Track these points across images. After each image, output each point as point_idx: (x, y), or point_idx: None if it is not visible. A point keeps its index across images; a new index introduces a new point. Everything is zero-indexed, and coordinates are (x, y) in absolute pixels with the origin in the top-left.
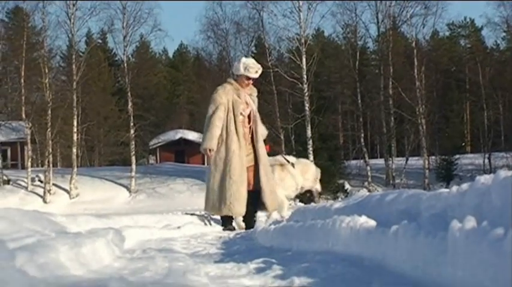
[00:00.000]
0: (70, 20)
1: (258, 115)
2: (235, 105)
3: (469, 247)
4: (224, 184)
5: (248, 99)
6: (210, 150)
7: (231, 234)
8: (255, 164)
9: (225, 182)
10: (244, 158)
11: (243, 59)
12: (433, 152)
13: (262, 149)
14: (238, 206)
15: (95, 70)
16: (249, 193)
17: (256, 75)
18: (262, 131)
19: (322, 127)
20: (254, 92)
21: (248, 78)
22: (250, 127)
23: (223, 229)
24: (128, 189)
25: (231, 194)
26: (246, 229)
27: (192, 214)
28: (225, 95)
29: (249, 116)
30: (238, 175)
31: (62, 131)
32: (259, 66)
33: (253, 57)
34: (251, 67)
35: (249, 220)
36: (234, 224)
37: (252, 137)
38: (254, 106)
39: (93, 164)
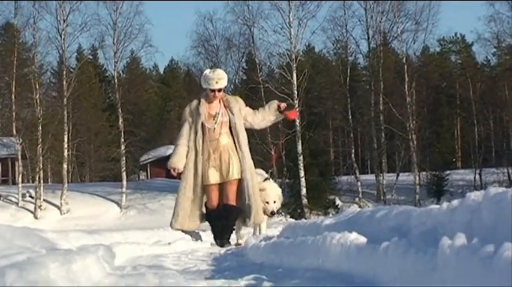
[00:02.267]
0: (61, 36)
1: (239, 123)
2: (196, 120)
3: (460, 264)
4: (177, 199)
5: (222, 111)
6: (173, 169)
7: (222, 250)
8: (240, 178)
9: (178, 197)
10: (205, 174)
11: (205, 72)
12: (423, 168)
13: (244, 161)
14: (181, 221)
15: (85, 86)
16: (215, 211)
17: (218, 86)
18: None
19: (313, 143)
20: (232, 102)
21: (212, 90)
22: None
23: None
24: (119, 205)
25: (178, 209)
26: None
27: (185, 231)
28: (189, 111)
29: (230, 128)
30: (189, 191)
31: (52, 147)
32: (220, 76)
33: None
34: (210, 79)
35: (221, 237)
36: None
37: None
38: (233, 116)
39: (84, 180)
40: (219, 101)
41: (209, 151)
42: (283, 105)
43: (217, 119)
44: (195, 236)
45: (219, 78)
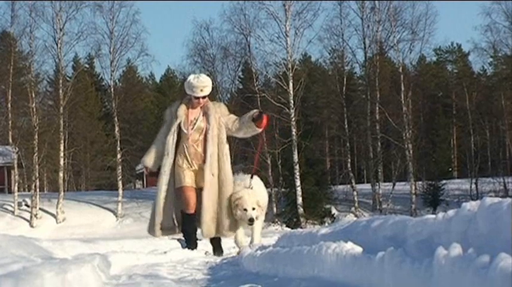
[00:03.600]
0: (57, 45)
1: (215, 133)
2: (172, 122)
3: (455, 274)
4: (154, 205)
5: (201, 118)
6: (145, 168)
7: (218, 259)
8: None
9: (154, 203)
10: (188, 181)
11: (189, 78)
12: (420, 177)
13: (208, 170)
14: (158, 227)
15: (81, 95)
16: (191, 215)
17: (203, 94)
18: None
19: (309, 152)
20: (211, 110)
21: (196, 98)
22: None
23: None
24: (115, 213)
25: (156, 216)
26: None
27: (178, 239)
28: (169, 113)
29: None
30: (164, 196)
31: (48, 156)
32: (204, 84)
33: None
34: (195, 86)
35: (191, 241)
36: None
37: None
38: (209, 125)
39: (80, 189)
40: (201, 107)
41: (185, 156)
42: (255, 113)
43: (194, 125)
44: (181, 243)
45: (203, 86)
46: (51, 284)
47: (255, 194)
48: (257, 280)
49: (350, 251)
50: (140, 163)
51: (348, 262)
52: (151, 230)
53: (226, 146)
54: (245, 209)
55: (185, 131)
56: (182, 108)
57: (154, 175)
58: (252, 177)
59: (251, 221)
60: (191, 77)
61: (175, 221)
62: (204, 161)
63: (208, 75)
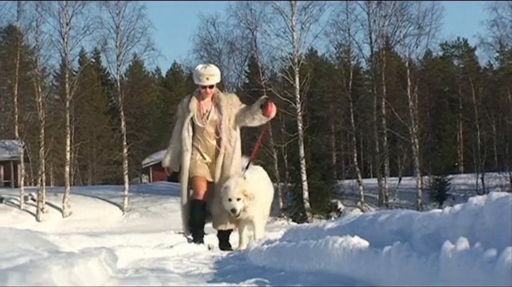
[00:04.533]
0: (63, 39)
1: (227, 124)
2: (185, 117)
3: (462, 268)
4: (181, 206)
5: (214, 109)
6: (167, 169)
7: (224, 253)
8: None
9: (181, 204)
10: (201, 172)
11: (196, 68)
12: (426, 172)
13: (219, 162)
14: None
15: (88, 89)
16: (200, 203)
17: (209, 82)
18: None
19: (315, 147)
20: (223, 101)
21: (203, 87)
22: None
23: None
24: (121, 208)
25: (184, 217)
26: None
27: (184, 234)
28: (181, 108)
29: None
30: (186, 192)
31: (55, 150)
32: (211, 72)
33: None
34: (201, 75)
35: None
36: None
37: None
38: (221, 115)
39: (86, 183)
40: (212, 98)
41: (199, 150)
42: (263, 100)
43: (208, 118)
44: (187, 238)
45: (210, 74)
46: (58, 278)
47: (242, 183)
48: (263, 274)
49: (356, 245)
50: (162, 165)
51: (355, 256)
52: (186, 230)
53: (239, 140)
54: (229, 199)
55: (200, 124)
56: (193, 102)
57: (177, 174)
58: (247, 167)
59: (233, 212)
60: (199, 66)
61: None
62: (217, 155)
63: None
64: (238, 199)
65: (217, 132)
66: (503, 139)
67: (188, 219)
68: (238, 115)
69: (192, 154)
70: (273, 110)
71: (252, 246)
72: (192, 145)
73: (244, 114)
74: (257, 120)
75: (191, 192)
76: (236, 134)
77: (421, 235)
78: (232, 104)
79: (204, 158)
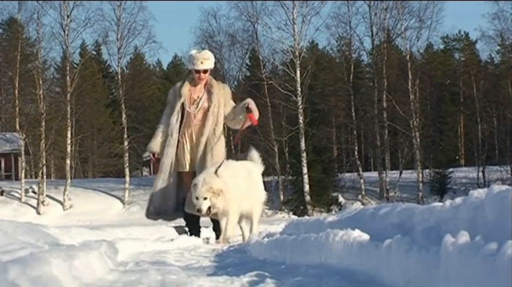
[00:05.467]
0: (64, 32)
1: (215, 111)
2: (176, 102)
3: (462, 261)
4: (154, 188)
5: (205, 96)
6: (152, 154)
7: (224, 247)
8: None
9: (154, 186)
10: (181, 160)
11: (191, 52)
12: (427, 166)
13: (200, 150)
14: (157, 210)
15: (88, 82)
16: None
17: (204, 67)
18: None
19: (316, 140)
20: (215, 88)
21: (197, 71)
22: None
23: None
24: (122, 201)
25: (154, 198)
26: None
27: (175, 227)
28: (172, 93)
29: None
30: (165, 177)
31: (55, 143)
32: (205, 56)
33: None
34: (195, 58)
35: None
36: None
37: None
38: (211, 103)
39: (87, 176)
40: (204, 85)
41: (186, 137)
42: (251, 104)
43: (199, 104)
44: (179, 230)
45: (204, 58)
46: (59, 270)
47: (210, 181)
48: (264, 267)
49: (357, 238)
50: (147, 150)
51: (355, 249)
52: (148, 214)
53: (221, 128)
54: (196, 198)
55: (189, 110)
56: (185, 87)
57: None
58: (220, 165)
59: (198, 211)
60: (193, 51)
61: (175, 205)
62: (196, 140)
63: (215, 62)
64: (205, 199)
65: (204, 119)
66: (504, 133)
67: (185, 215)
68: (225, 111)
69: (178, 141)
70: (254, 115)
71: (252, 239)
72: (181, 131)
73: (230, 113)
74: (237, 122)
75: (182, 184)
76: (220, 122)
77: (421, 228)
78: (224, 94)
79: (192, 147)
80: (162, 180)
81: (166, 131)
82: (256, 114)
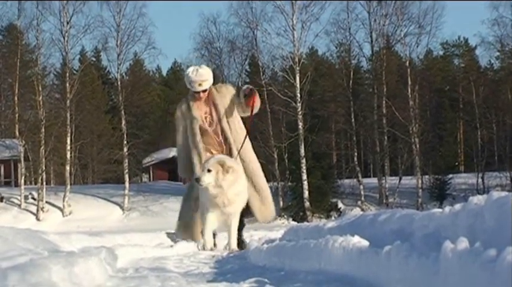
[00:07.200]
0: (64, 38)
1: (225, 120)
2: (193, 125)
3: (462, 268)
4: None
5: (212, 109)
6: (188, 178)
7: (224, 253)
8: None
9: (181, 207)
10: None
11: (187, 72)
12: (426, 172)
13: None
14: (184, 231)
15: (88, 88)
16: None
17: (201, 88)
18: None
19: (316, 146)
20: (217, 99)
21: (196, 92)
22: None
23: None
24: (121, 207)
25: (181, 220)
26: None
27: (167, 234)
28: (181, 115)
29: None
30: (192, 200)
31: (55, 149)
32: (203, 77)
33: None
34: (193, 81)
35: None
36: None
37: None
38: (221, 114)
39: (87, 182)
40: (207, 97)
41: (210, 153)
42: (247, 89)
43: (211, 120)
44: (171, 237)
45: (202, 80)
46: (58, 277)
47: (225, 158)
48: (264, 273)
49: (357, 244)
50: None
51: (355, 255)
52: (178, 233)
53: (244, 131)
54: (202, 169)
55: (207, 128)
56: (194, 108)
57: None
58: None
59: (197, 180)
60: (190, 70)
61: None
62: (223, 150)
63: (214, 68)
64: (209, 171)
65: (220, 130)
66: (504, 139)
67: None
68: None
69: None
70: (256, 101)
71: (252, 245)
72: (202, 149)
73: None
74: (241, 110)
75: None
76: (236, 129)
77: (421, 234)
78: (229, 97)
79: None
80: (186, 203)
81: (190, 155)
82: (256, 100)
